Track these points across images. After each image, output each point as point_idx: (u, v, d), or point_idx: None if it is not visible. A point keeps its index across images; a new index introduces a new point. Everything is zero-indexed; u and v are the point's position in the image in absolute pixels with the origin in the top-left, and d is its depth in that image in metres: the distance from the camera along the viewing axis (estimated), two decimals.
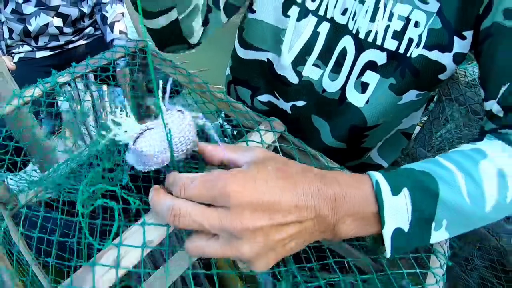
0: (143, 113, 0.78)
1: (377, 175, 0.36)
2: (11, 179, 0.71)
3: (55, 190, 0.63)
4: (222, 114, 0.87)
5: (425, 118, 0.81)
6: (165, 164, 0.40)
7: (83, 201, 0.40)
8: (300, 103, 0.66)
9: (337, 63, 0.59)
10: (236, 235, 0.30)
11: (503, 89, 0.47)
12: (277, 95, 0.69)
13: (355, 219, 0.34)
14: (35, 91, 0.61)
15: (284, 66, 0.63)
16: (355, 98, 0.59)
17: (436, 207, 0.37)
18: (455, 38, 0.52)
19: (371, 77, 0.57)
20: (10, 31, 1.44)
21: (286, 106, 0.68)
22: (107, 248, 0.35)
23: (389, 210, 0.35)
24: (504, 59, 0.47)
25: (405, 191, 0.36)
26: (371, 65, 0.57)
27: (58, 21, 1.43)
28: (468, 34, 0.52)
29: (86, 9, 1.48)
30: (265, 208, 0.31)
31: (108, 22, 1.48)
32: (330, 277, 0.45)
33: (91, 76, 0.80)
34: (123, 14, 1.52)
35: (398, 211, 0.35)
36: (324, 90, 0.62)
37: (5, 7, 1.38)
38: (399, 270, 0.44)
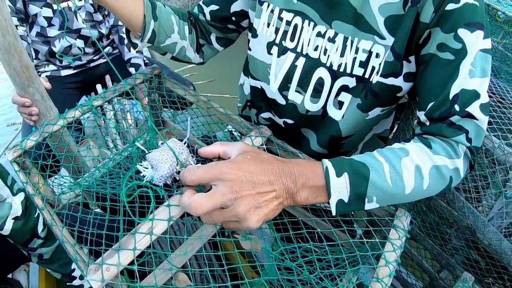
0: (160, 126, 0.94)
1: (327, 162, 0.53)
2: (53, 182, 0.86)
3: (93, 189, 0.77)
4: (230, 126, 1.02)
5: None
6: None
7: (125, 192, 0.55)
8: (289, 121, 0.81)
9: (315, 90, 0.73)
10: (233, 201, 0.46)
11: (430, 104, 0.60)
12: (274, 113, 0.83)
13: (309, 190, 0.51)
14: (75, 113, 0.77)
15: (273, 92, 0.78)
16: (334, 113, 0.73)
17: (367, 187, 0.52)
18: (404, 62, 0.64)
19: (345, 97, 0.71)
20: (36, 52, 1.59)
21: (280, 121, 0.83)
22: (144, 222, 0.49)
23: (333, 186, 0.51)
24: (433, 81, 0.60)
25: (345, 174, 0.52)
26: (344, 88, 0.70)
27: (80, 43, 1.58)
28: (412, 58, 0.64)
29: (104, 31, 1.63)
30: (249, 182, 0.47)
31: (125, 43, 1.63)
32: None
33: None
34: None
35: (340, 188, 0.51)
36: (307, 111, 0.76)
37: (30, 30, 1.53)
38: (361, 240, 0.57)
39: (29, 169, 0.73)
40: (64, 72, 1.64)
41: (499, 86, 1.05)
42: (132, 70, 1.63)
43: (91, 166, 1.18)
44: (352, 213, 0.58)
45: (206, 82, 3.26)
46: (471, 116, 0.57)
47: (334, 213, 0.52)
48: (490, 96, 0.90)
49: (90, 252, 0.60)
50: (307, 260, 0.59)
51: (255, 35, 0.78)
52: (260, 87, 0.82)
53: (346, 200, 0.52)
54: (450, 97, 0.58)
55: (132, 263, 0.48)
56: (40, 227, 0.91)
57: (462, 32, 0.57)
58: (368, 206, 0.54)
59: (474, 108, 0.57)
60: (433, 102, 0.60)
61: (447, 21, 0.58)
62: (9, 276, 1.25)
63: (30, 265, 1.31)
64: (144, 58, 1.69)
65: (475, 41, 0.58)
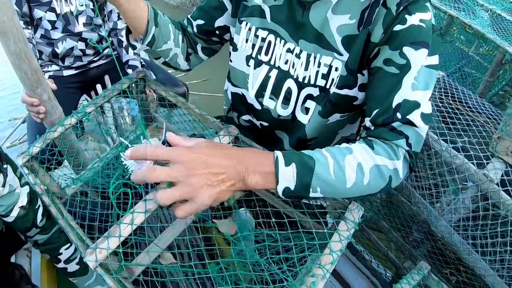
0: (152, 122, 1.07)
1: (277, 152, 0.60)
2: (58, 176, 0.98)
3: (91, 183, 0.89)
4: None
5: None
6: None
7: (113, 189, 0.66)
8: (265, 123, 0.92)
9: (285, 98, 0.83)
10: (185, 176, 0.53)
11: (375, 111, 0.69)
12: (252, 116, 0.95)
13: (259, 175, 0.58)
14: (72, 120, 0.91)
15: (251, 98, 0.89)
16: (302, 118, 0.84)
17: (312, 178, 0.60)
18: (358, 75, 0.74)
19: (310, 104, 0.81)
20: (40, 53, 1.68)
21: (258, 123, 0.94)
22: (126, 215, 0.61)
23: (281, 174, 0.58)
24: (378, 91, 0.69)
25: (293, 164, 0.59)
26: (309, 96, 0.81)
27: (81, 45, 1.68)
28: (365, 72, 0.73)
29: (104, 33, 1.73)
30: (203, 163, 0.54)
31: (124, 46, 1.73)
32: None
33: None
34: None
35: (288, 176, 0.58)
36: (279, 115, 0.87)
37: (35, 32, 1.62)
38: (311, 230, 0.65)
39: (37, 171, 0.86)
40: (66, 72, 1.73)
41: (463, 92, 1.14)
42: (129, 71, 1.73)
43: (91, 159, 1.29)
44: (310, 202, 0.67)
45: (200, 82, 3.36)
46: (411, 123, 0.65)
47: (279, 194, 0.60)
48: (449, 104, 1.01)
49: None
50: (267, 243, 0.66)
51: (235, 49, 0.89)
52: (241, 93, 0.93)
53: (292, 188, 0.59)
54: (393, 106, 0.66)
55: (118, 247, 0.61)
56: (39, 218, 1.02)
57: (407, 49, 0.65)
58: (312, 195, 0.61)
59: (414, 116, 0.65)
60: (377, 110, 0.68)
61: (394, 40, 0.66)
62: (13, 260, 1.33)
63: (32, 251, 1.40)
64: (141, 60, 1.79)
65: (419, 58, 0.65)
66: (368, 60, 0.71)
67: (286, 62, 0.82)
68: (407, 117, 0.65)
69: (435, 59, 0.67)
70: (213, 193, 0.54)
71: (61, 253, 1.05)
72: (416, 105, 0.65)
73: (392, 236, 1.13)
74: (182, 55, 0.98)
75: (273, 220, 0.69)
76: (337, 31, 0.73)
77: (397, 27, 0.66)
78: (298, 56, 0.79)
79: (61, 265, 1.06)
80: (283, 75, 0.82)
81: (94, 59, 1.77)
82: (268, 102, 0.87)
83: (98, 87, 1.84)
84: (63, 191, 0.95)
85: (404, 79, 0.66)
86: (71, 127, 0.91)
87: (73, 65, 1.73)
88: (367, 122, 0.71)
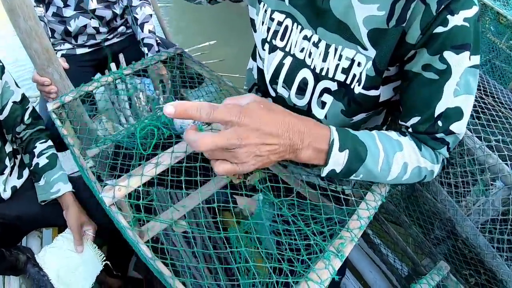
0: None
1: (334, 134, 0.57)
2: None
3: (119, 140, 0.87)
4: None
5: None
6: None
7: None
8: None
9: (299, 88, 0.77)
10: (237, 146, 0.49)
11: (414, 119, 0.65)
12: (272, 101, 0.89)
13: (312, 151, 0.56)
14: (89, 88, 0.90)
15: (266, 83, 0.83)
16: (317, 112, 0.77)
17: (360, 167, 0.59)
18: (384, 73, 0.67)
19: (327, 98, 0.75)
20: (52, 31, 1.64)
21: None
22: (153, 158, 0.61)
23: (333, 157, 0.57)
24: (417, 99, 0.64)
25: (346, 151, 0.58)
26: (326, 90, 0.74)
27: (95, 22, 1.63)
28: (392, 68, 0.66)
29: (118, 11, 1.68)
30: (257, 131, 0.50)
31: (139, 23, 1.68)
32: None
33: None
34: (151, 15, 1.72)
35: (338, 161, 0.58)
36: (294, 104, 0.80)
37: (47, 10, 1.58)
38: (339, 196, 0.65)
39: (64, 119, 0.87)
40: (79, 51, 1.69)
41: (495, 86, 1.08)
42: (144, 49, 1.68)
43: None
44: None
45: (216, 62, 3.30)
46: (453, 133, 0.63)
47: (323, 175, 0.59)
48: (481, 98, 0.95)
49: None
50: (292, 214, 0.64)
51: (255, 30, 0.83)
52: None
53: (337, 171, 0.59)
54: (435, 115, 0.62)
55: (139, 188, 0.60)
56: (26, 117, 1.16)
57: (447, 54, 0.59)
58: (351, 178, 0.62)
59: (456, 126, 0.62)
60: (417, 118, 0.64)
61: (434, 43, 0.59)
62: (23, 243, 1.33)
63: (43, 231, 1.40)
64: (157, 38, 1.74)
65: (461, 62, 0.59)
66: (402, 61, 0.65)
67: (302, 50, 0.75)
68: (450, 128, 0.63)
69: (477, 59, 0.61)
70: (259, 163, 0.52)
71: (36, 147, 1.17)
72: (459, 113, 0.62)
73: (413, 231, 1.08)
74: None
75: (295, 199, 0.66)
76: (363, 23, 0.65)
77: (438, 29, 0.58)
78: (316, 45, 0.73)
79: (34, 160, 1.15)
80: (298, 64, 0.76)
81: (108, 37, 1.73)
82: (281, 90, 0.81)
83: (113, 65, 1.80)
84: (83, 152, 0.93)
85: (445, 86, 0.61)
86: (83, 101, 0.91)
87: (86, 44, 1.69)
88: (406, 125, 0.68)
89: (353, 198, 0.66)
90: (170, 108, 0.48)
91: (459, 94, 0.60)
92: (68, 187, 1.12)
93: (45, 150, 1.16)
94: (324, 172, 0.59)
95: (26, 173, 1.21)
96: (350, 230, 0.57)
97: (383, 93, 0.71)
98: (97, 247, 1.11)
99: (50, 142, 1.20)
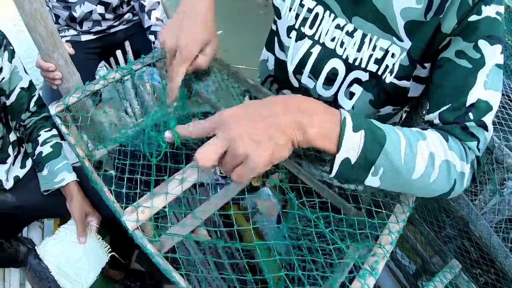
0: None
1: (345, 113, 0.49)
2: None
3: (126, 142, 0.82)
4: (247, 97, 1.05)
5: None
6: None
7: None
8: None
9: (328, 79, 0.75)
10: (229, 140, 0.45)
11: (443, 108, 0.60)
12: (291, 92, 0.86)
13: (321, 130, 0.47)
14: (95, 87, 0.83)
15: (289, 73, 0.80)
16: (344, 103, 0.75)
17: (380, 154, 0.49)
18: (417, 65, 0.65)
19: (356, 89, 0.73)
20: (57, 17, 1.61)
21: None
22: (175, 174, 0.57)
23: (346, 140, 0.48)
24: (448, 86, 0.60)
25: (362, 132, 0.48)
26: (356, 81, 0.72)
27: (100, 9, 1.59)
28: (428, 65, 0.65)
29: None
30: (248, 117, 0.45)
31: (146, 10, 1.64)
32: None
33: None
34: (159, 2, 1.68)
35: (352, 145, 0.48)
36: (319, 96, 0.78)
37: None
38: (368, 207, 0.61)
39: (69, 123, 0.80)
40: (84, 37, 1.66)
41: (510, 86, 1.05)
42: (151, 37, 1.65)
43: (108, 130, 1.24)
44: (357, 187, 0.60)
45: (221, 53, 3.25)
46: (484, 127, 0.58)
47: (333, 172, 0.50)
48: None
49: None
50: (316, 230, 0.60)
51: (279, 16, 0.80)
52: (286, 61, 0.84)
53: (353, 161, 0.49)
54: (467, 105, 0.59)
55: (163, 208, 0.55)
56: (32, 104, 1.14)
57: (482, 43, 0.58)
58: (369, 180, 0.51)
59: (488, 119, 0.58)
60: (448, 106, 0.60)
61: (469, 31, 0.59)
62: (24, 234, 1.30)
63: (45, 222, 1.38)
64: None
65: (493, 54, 0.58)
66: (436, 51, 0.63)
67: (332, 40, 0.73)
68: (482, 119, 0.58)
69: (502, 59, 0.60)
70: (268, 151, 0.45)
71: (40, 135, 1.14)
72: (489, 107, 0.59)
73: (423, 229, 1.06)
74: None
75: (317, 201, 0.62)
76: (401, 14, 0.65)
77: (473, 18, 0.58)
78: (350, 34, 0.71)
79: (38, 149, 1.12)
80: (327, 53, 0.74)
81: (114, 23, 1.70)
82: (306, 80, 0.78)
83: (118, 53, 1.76)
84: (91, 153, 0.90)
85: (478, 75, 0.59)
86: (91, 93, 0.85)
87: (91, 30, 1.66)
88: (433, 118, 0.63)
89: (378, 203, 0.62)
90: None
91: (489, 88, 0.58)
92: (73, 176, 1.09)
93: (49, 139, 1.14)
94: (337, 162, 0.48)
95: (29, 163, 1.19)
96: (382, 246, 0.54)
97: (413, 88, 0.69)
98: (101, 238, 1.09)
99: (54, 131, 1.17)
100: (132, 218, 0.54)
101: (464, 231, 0.97)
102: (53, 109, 0.77)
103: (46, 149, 1.12)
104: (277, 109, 0.46)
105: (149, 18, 1.65)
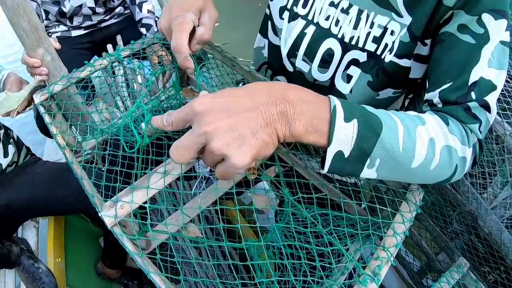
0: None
1: (336, 101, 0.43)
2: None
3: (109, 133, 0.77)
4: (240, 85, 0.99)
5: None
6: None
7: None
8: None
9: (323, 60, 0.70)
10: (205, 136, 0.39)
11: (444, 86, 0.56)
12: (285, 78, 0.81)
13: (309, 120, 0.41)
14: (81, 74, 0.77)
15: (283, 57, 0.75)
16: (342, 87, 0.71)
17: (375, 144, 0.44)
18: (418, 43, 0.61)
19: (354, 71, 0.68)
20: (46, 12, 1.56)
21: None
22: (159, 166, 0.52)
23: (338, 131, 0.42)
24: (450, 63, 0.56)
25: (354, 121, 0.43)
26: (354, 62, 0.68)
27: (90, 2, 1.54)
28: (428, 41, 0.61)
29: None
30: (224, 108, 0.39)
31: (137, 2, 1.59)
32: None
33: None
34: None
35: (345, 136, 0.43)
36: (315, 79, 0.73)
37: None
38: (375, 205, 0.55)
39: (54, 112, 0.74)
40: (75, 33, 1.61)
41: None
42: (143, 30, 1.60)
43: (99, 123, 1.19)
44: (361, 181, 0.56)
45: (220, 45, 3.21)
46: (486, 107, 0.54)
47: (326, 167, 0.44)
48: (507, 81, 0.87)
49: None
50: (313, 229, 0.56)
51: None
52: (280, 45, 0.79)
53: (346, 154, 0.43)
54: (469, 83, 0.55)
55: (145, 203, 0.50)
56: None
57: (486, 17, 0.54)
58: (365, 172, 0.46)
59: (491, 100, 0.54)
60: (449, 84, 0.56)
61: (472, 4, 0.55)
62: (19, 234, 1.28)
63: (40, 222, 1.35)
64: (156, 19, 1.65)
65: (498, 30, 0.54)
66: (437, 26, 0.59)
67: (327, 18, 0.68)
68: (485, 98, 0.54)
69: (508, 35, 0.56)
70: (249, 148, 0.39)
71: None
72: (493, 86, 0.55)
73: (428, 224, 1.02)
74: None
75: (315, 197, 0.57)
76: None
77: None
78: (345, 11, 0.66)
79: None
80: (322, 33, 0.69)
81: (105, 18, 1.65)
82: (301, 64, 0.73)
83: (109, 47, 1.71)
84: (79, 145, 0.85)
85: (481, 52, 0.55)
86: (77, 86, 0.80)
87: (82, 25, 1.61)
88: (434, 98, 0.58)
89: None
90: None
91: (492, 66, 0.54)
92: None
93: None
94: (329, 157, 0.43)
95: (11, 150, 1.14)
96: (386, 249, 0.49)
97: (414, 68, 0.64)
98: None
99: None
100: (111, 213, 0.50)
101: (472, 227, 0.93)
102: (38, 97, 0.72)
103: None
104: (259, 97, 0.40)
105: (140, 10, 1.60)
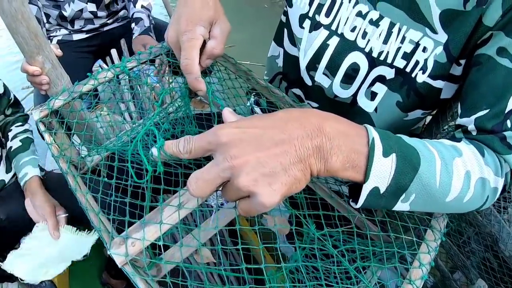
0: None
1: (373, 133, 0.40)
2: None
3: (121, 152, 0.73)
4: (252, 99, 0.94)
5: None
6: None
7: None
8: (314, 104, 0.73)
9: (347, 75, 0.65)
10: (230, 171, 0.35)
11: (480, 113, 0.52)
12: (302, 92, 0.76)
13: (346, 156, 0.38)
14: (83, 88, 0.72)
15: (301, 69, 0.71)
16: (365, 104, 0.66)
17: (413, 180, 0.42)
18: (453, 64, 0.57)
19: (379, 88, 0.64)
20: (47, 16, 1.52)
21: (305, 103, 0.75)
22: (172, 197, 0.48)
23: (376, 167, 0.39)
24: (487, 88, 0.52)
25: (393, 156, 0.40)
26: (380, 78, 0.63)
27: (91, 6, 1.50)
28: (463, 61, 0.57)
29: None
30: (253, 140, 0.35)
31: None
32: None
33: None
34: None
35: (383, 172, 0.40)
36: (336, 96, 0.69)
37: None
38: (398, 234, 0.53)
39: (55, 129, 0.68)
40: (76, 36, 1.57)
41: None
42: (132, 25, 1.53)
43: (104, 133, 1.15)
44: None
45: (226, 48, 3.16)
46: None
47: (359, 203, 0.41)
48: None
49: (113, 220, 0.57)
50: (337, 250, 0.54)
51: (290, 4, 0.71)
52: (298, 56, 0.74)
53: (382, 190, 0.41)
54: (506, 111, 0.51)
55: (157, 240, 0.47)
56: (7, 108, 1.12)
57: None
58: (398, 205, 0.44)
59: None
60: (486, 111, 0.52)
61: None
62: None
63: None
64: (149, 14, 1.58)
65: None
66: (474, 46, 0.55)
67: (353, 30, 0.63)
68: None
69: None
70: (279, 186, 0.35)
71: (11, 130, 1.11)
72: None
73: (445, 242, 0.97)
74: None
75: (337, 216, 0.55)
76: (436, 2, 0.56)
77: None
78: (374, 23, 0.61)
79: (8, 144, 1.09)
80: (347, 46, 0.64)
81: (108, 21, 1.61)
82: (321, 78, 0.69)
83: (113, 52, 1.67)
84: (82, 160, 0.80)
85: None
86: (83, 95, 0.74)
87: (83, 29, 1.57)
88: (468, 123, 0.54)
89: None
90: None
91: None
92: (36, 171, 1.02)
93: (20, 134, 1.09)
94: (364, 193, 0.40)
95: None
96: (412, 282, 0.46)
97: (446, 88, 0.60)
98: (75, 228, 0.98)
99: (27, 126, 1.13)
100: (121, 251, 0.45)
101: (491, 248, 0.88)
102: (37, 114, 0.65)
103: (16, 144, 1.07)
104: (293, 129, 0.36)
105: (134, 6, 1.54)
